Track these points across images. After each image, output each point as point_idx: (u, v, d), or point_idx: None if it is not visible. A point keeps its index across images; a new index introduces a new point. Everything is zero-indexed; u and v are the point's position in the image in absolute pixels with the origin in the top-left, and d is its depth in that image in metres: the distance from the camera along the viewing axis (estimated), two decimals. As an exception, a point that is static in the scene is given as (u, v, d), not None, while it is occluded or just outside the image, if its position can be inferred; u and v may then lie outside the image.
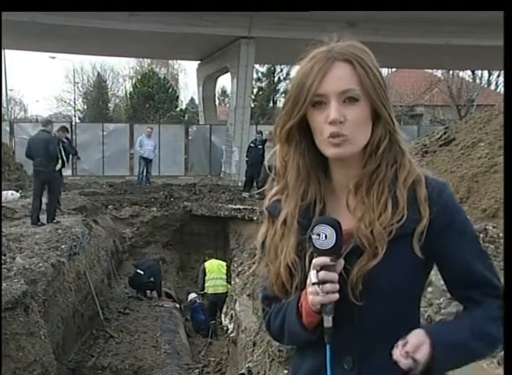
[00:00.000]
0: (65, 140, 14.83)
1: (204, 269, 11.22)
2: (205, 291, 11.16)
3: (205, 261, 11.55)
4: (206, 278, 11.14)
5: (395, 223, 1.28)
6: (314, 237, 1.27)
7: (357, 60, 1.28)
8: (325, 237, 1.26)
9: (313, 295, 1.26)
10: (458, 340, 1.27)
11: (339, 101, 1.27)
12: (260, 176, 13.71)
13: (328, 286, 1.25)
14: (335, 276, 1.26)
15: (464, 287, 1.35)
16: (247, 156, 14.99)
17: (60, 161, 9.93)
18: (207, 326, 10.93)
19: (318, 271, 1.26)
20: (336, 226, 1.26)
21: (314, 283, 1.25)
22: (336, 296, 1.26)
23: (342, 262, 1.28)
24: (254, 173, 14.33)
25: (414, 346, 1.21)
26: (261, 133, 15.16)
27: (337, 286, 1.26)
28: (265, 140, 14.25)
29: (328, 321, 1.27)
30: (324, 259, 1.25)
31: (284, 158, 1.39)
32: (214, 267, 11.17)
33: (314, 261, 1.27)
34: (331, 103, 1.27)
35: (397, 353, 1.22)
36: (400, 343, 1.23)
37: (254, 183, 14.35)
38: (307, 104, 1.29)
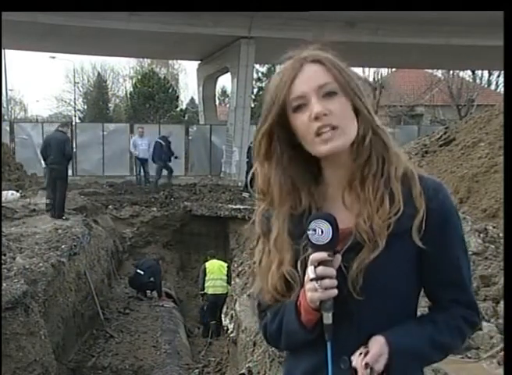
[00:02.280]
0: (161, 141, 16.29)
1: (205, 270, 11.20)
2: (205, 291, 11.15)
3: (206, 261, 11.55)
4: (206, 278, 11.12)
5: (392, 216, 1.28)
6: (310, 232, 1.27)
7: (327, 60, 1.30)
8: (322, 232, 1.25)
9: (311, 292, 1.26)
10: (416, 349, 1.30)
11: (318, 96, 1.27)
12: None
13: (326, 281, 1.24)
14: (333, 271, 1.25)
15: (441, 287, 1.36)
16: (247, 157, 15.00)
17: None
18: (207, 327, 10.94)
19: (315, 267, 1.25)
20: (332, 220, 1.26)
21: (312, 279, 1.25)
22: (335, 292, 1.25)
23: (339, 257, 1.28)
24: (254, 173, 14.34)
25: (374, 357, 1.24)
26: None
27: (335, 281, 1.25)
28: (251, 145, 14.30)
29: (328, 318, 1.27)
30: (321, 254, 1.25)
31: (266, 174, 1.38)
32: (214, 268, 11.16)
33: (311, 256, 1.26)
34: (311, 100, 1.27)
35: (358, 362, 1.24)
36: (362, 351, 1.26)
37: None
38: (279, 106, 1.30)
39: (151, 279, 11.31)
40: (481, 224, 5.31)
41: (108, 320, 9.59)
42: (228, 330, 7.54)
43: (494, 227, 5.20)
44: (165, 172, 16.67)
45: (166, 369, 7.91)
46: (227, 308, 7.98)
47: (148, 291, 11.57)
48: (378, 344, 1.26)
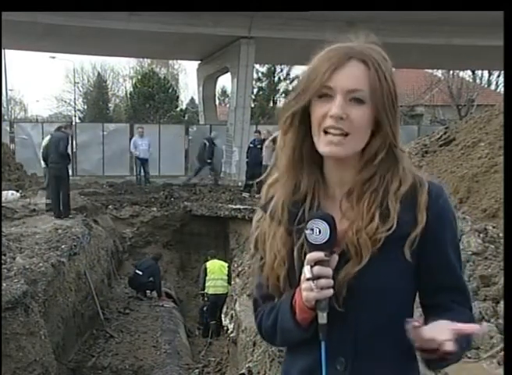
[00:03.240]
0: (206, 142, 17.00)
1: (206, 269, 11.19)
2: (205, 291, 11.15)
3: (207, 261, 11.54)
4: (207, 278, 11.11)
5: (384, 232, 1.27)
6: (307, 232, 1.26)
7: (373, 63, 1.27)
8: (319, 231, 1.25)
9: (307, 291, 1.25)
10: (463, 342, 1.25)
11: (345, 98, 1.26)
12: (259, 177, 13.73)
13: (322, 281, 1.24)
14: (329, 271, 1.25)
15: (444, 292, 1.36)
16: (247, 157, 14.99)
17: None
18: (207, 327, 10.93)
19: (312, 266, 1.25)
20: (330, 220, 1.26)
21: (308, 279, 1.24)
22: (331, 291, 1.25)
23: (336, 257, 1.27)
24: (254, 173, 14.37)
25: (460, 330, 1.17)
26: (259, 132, 15.20)
27: (331, 281, 1.25)
28: (264, 139, 14.28)
29: (322, 317, 1.26)
30: (318, 254, 1.25)
31: (285, 142, 1.38)
32: (215, 268, 11.16)
33: (308, 256, 1.26)
34: (336, 98, 1.26)
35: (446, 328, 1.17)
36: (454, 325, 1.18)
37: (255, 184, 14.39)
38: (314, 92, 1.28)
39: (150, 279, 11.31)
40: (481, 224, 5.31)
41: (108, 320, 9.59)
42: (228, 330, 7.54)
43: (494, 227, 5.20)
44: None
45: (166, 369, 7.91)
46: (227, 308, 7.99)
47: (148, 291, 11.57)
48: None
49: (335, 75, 1.26)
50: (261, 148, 14.20)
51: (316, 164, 1.38)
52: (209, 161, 17.23)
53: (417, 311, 1.41)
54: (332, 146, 1.27)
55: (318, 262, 1.25)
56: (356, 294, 1.29)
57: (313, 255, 1.25)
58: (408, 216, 1.29)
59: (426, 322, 1.29)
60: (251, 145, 14.72)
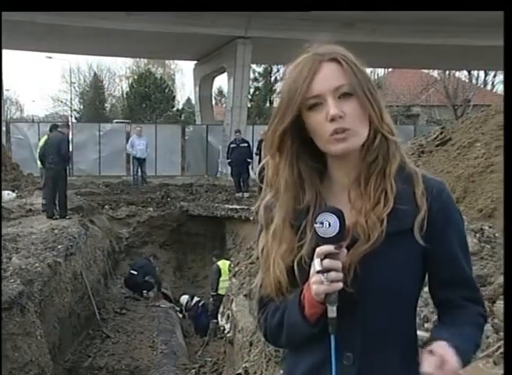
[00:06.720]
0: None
1: (219, 270, 10.76)
2: (219, 292, 10.52)
3: (213, 262, 11.33)
4: (221, 279, 10.67)
5: (385, 211, 1.30)
6: (317, 225, 1.28)
7: (342, 58, 1.31)
8: (329, 225, 1.26)
9: (317, 284, 1.26)
10: (469, 353, 1.32)
11: (335, 97, 1.28)
12: (248, 175, 13.94)
13: (332, 274, 1.25)
14: (339, 264, 1.26)
15: (452, 287, 1.38)
16: (227, 158, 14.97)
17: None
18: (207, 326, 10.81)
19: (322, 259, 1.26)
20: (339, 214, 1.27)
21: (318, 272, 1.25)
22: (340, 285, 1.26)
23: (345, 250, 1.28)
24: (241, 172, 14.43)
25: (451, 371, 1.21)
26: (239, 132, 15.24)
27: (341, 274, 1.26)
28: (261, 140, 14.27)
29: (332, 311, 1.27)
30: (328, 247, 1.25)
31: (276, 165, 1.39)
32: (226, 267, 10.87)
33: (318, 249, 1.27)
34: (328, 101, 1.28)
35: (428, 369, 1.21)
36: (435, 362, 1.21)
37: (241, 183, 14.50)
38: (298, 105, 1.30)
39: (146, 278, 11.28)
40: (477, 224, 5.31)
41: (104, 320, 9.58)
42: (224, 330, 7.53)
43: (490, 227, 5.21)
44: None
45: (163, 369, 7.90)
46: (223, 308, 7.97)
47: (145, 291, 11.54)
48: (453, 359, 1.21)
49: (315, 82, 1.29)
50: (249, 147, 14.36)
51: (315, 173, 1.39)
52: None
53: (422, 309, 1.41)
54: (342, 143, 1.29)
55: (327, 255, 1.26)
56: (364, 288, 1.30)
57: (323, 249, 1.26)
58: (408, 206, 1.31)
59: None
60: (233, 145, 14.72)
